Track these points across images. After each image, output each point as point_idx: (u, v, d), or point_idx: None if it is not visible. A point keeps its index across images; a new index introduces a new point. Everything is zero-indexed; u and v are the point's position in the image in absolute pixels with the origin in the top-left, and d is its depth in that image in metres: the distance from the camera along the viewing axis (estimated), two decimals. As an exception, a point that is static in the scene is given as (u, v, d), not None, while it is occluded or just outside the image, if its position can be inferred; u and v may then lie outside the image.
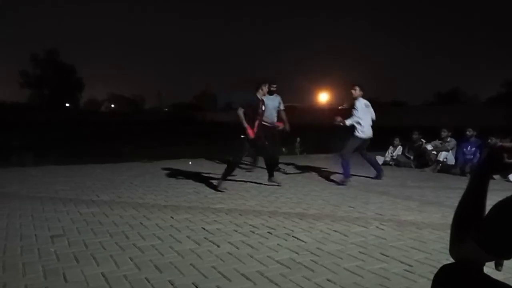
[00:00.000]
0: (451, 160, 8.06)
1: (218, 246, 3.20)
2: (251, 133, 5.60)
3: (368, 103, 6.48)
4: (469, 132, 7.98)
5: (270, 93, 7.49)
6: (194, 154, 9.67)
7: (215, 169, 6.87)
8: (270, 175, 6.02)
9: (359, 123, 6.27)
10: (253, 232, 3.62)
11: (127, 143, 13.35)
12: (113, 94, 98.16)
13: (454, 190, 5.73)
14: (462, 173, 7.44)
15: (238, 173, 6.89)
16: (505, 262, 1.08)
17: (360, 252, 3.12)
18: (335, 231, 3.70)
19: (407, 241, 3.41)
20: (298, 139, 10.78)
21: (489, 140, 7.41)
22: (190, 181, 6.33)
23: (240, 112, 5.63)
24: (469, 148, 7.88)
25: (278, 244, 3.29)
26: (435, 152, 8.21)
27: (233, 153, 5.94)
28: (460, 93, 56.85)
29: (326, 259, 2.95)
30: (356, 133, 6.31)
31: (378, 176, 6.73)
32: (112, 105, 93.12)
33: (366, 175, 6.96)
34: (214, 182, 5.87)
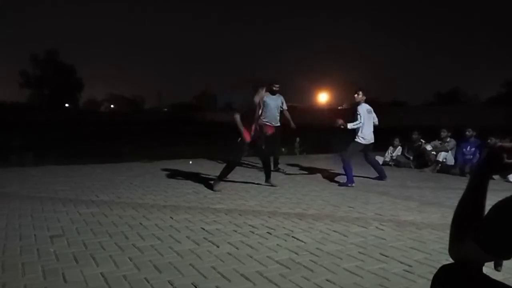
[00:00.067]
0: (451, 161, 8.07)
1: (218, 246, 3.20)
2: (247, 137, 5.60)
3: (370, 108, 6.45)
4: (469, 132, 7.98)
5: (273, 92, 7.51)
6: (194, 154, 9.67)
7: (215, 169, 6.86)
8: (267, 177, 6.03)
9: (360, 129, 6.26)
10: (253, 233, 3.62)
11: (127, 143, 13.34)
12: (113, 94, 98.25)
13: (454, 191, 5.73)
14: (462, 173, 7.44)
15: (237, 173, 6.89)
16: (505, 262, 1.08)
17: (359, 252, 3.12)
18: (335, 231, 3.70)
19: (406, 242, 3.41)
20: (298, 139, 10.79)
21: (489, 140, 7.41)
22: (190, 181, 6.32)
23: (237, 116, 5.62)
24: (468, 148, 7.88)
25: (277, 244, 3.29)
26: (434, 153, 8.21)
27: (232, 153, 5.94)
28: (460, 93, 56.85)
29: (326, 259, 2.95)
30: (357, 139, 6.30)
31: (380, 178, 6.70)
32: (112, 105, 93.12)
33: (366, 176, 6.96)
34: (213, 182, 5.86)
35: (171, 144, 13.65)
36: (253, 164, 8.15)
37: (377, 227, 3.85)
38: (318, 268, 2.76)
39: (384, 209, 4.66)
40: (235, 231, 3.65)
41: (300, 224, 3.92)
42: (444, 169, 7.91)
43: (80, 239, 3.33)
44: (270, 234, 3.58)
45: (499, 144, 1.14)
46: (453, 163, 8.00)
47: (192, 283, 2.47)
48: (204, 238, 3.43)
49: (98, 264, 2.78)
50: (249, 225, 3.87)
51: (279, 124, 7.60)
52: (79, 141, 15.04)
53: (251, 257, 2.97)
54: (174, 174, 6.96)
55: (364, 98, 6.42)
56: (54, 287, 2.41)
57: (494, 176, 1.32)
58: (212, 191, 5.51)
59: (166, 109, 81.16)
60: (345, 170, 6.22)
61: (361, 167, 7.35)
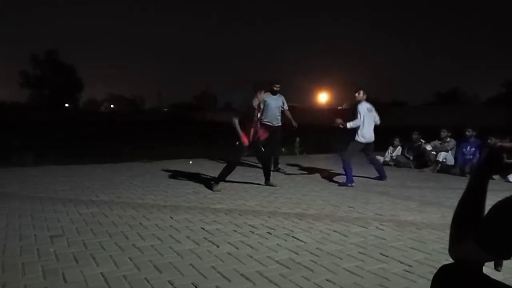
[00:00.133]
0: (451, 161, 8.07)
1: (218, 246, 3.20)
2: (245, 140, 5.60)
3: (371, 107, 6.42)
4: (469, 132, 7.98)
5: (273, 93, 7.53)
6: (194, 154, 9.67)
7: (215, 169, 6.86)
8: (267, 178, 6.03)
9: (360, 127, 6.24)
10: (253, 232, 3.62)
11: (127, 143, 13.34)
12: (113, 94, 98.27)
13: (454, 191, 5.73)
14: (462, 173, 7.44)
15: (237, 173, 6.89)
16: (505, 262, 1.08)
17: (359, 252, 3.12)
18: (335, 231, 3.70)
19: (406, 242, 3.41)
20: (298, 139, 10.79)
21: (489, 140, 7.41)
22: (190, 181, 6.32)
23: (235, 120, 5.61)
24: (468, 148, 7.88)
25: (277, 244, 3.29)
26: (434, 153, 8.21)
27: (232, 154, 5.94)
28: (460, 93, 56.87)
29: (326, 259, 2.95)
30: (356, 138, 6.28)
31: (380, 178, 6.69)
32: (112, 105, 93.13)
33: (366, 176, 6.96)
34: (213, 182, 5.86)
35: (171, 144, 13.65)
36: (253, 164, 8.15)
37: (377, 227, 3.85)
38: (318, 268, 2.77)
39: (384, 209, 4.66)
40: (235, 231, 3.65)
41: (300, 224, 3.92)
42: (444, 169, 7.91)
43: (80, 239, 3.33)
44: (270, 234, 3.58)
45: (499, 144, 1.14)
46: (453, 163, 8.00)
47: (192, 283, 2.47)
48: (204, 238, 3.43)
49: (98, 264, 2.78)
50: (249, 225, 3.87)
51: (280, 124, 7.61)
52: (79, 141, 15.04)
53: (251, 257, 2.97)
54: (174, 174, 6.96)
55: (365, 97, 6.40)
56: (54, 287, 2.41)
57: (494, 176, 1.32)
58: (212, 191, 5.51)
59: (166, 109, 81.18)
60: (345, 170, 6.22)
61: (361, 167, 7.35)
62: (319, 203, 4.92)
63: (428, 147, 8.38)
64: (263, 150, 6.02)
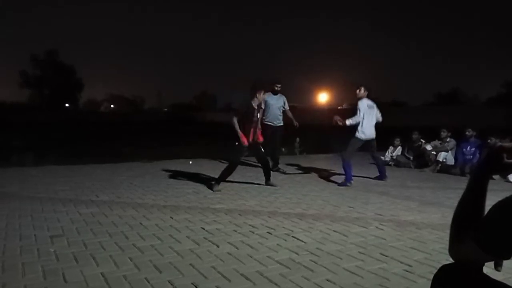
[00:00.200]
0: (451, 161, 8.07)
1: (218, 246, 3.20)
2: (245, 141, 5.59)
3: (372, 103, 6.40)
4: (469, 133, 7.98)
5: (275, 93, 7.55)
6: (194, 154, 9.67)
7: (215, 169, 6.86)
8: (267, 178, 6.03)
9: (360, 123, 6.23)
10: (253, 232, 3.62)
11: (127, 143, 13.34)
12: (113, 94, 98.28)
13: (454, 191, 5.74)
14: (462, 174, 7.44)
15: (238, 174, 6.89)
16: (505, 262, 1.08)
17: (359, 252, 3.12)
18: (335, 231, 3.70)
19: (406, 241, 3.41)
20: (298, 139, 10.79)
21: (489, 140, 7.41)
22: (190, 181, 6.32)
23: (234, 120, 5.61)
24: (468, 148, 7.88)
25: (277, 244, 3.29)
26: (434, 153, 8.21)
27: (232, 154, 5.94)
28: (460, 94, 56.91)
29: (326, 259, 2.95)
30: (357, 134, 6.27)
31: (380, 177, 6.67)
32: (112, 106, 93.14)
33: (366, 176, 6.96)
34: (213, 182, 5.86)
35: (171, 144, 13.66)
36: (253, 164, 8.15)
37: (377, 227, 3.85)
38: (318, 268, 2.77)
39: (384, 209, 4.66)
40: (235, 231, 3.65)
41: (300, 224, 3.92)
42: (444, 169, 7.91)
43: (80, 239, 3.33)
44: (270, 234, 3.58)
45: (499, 144, 1.15)
46: (453, 163, 8.00)
47: (192, 283, 2.47)
48: (204, 238, 3.43)
49: (98, 264, 2.78)
50: (249, 225, 3.87)
51: (281, 124, 7.61)
52: (79, 141, 15.04)
53: (251, 257, 2.97)
54: (174, 174, 6.96)
55: (366, 93, 6.37)
56: (54, 287, 2.41)
57: (494, 176, 1.32)
58: (212, 191, 5.51)
59: (166, 109, 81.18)
60: (344, 169, 6.22)
61: (361, 167, 7.35)
62: (319, 203, 4.92)
63: (428, 147, 8.38)
64: (262, 150, 6.01)
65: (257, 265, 2.80)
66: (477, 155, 7.64)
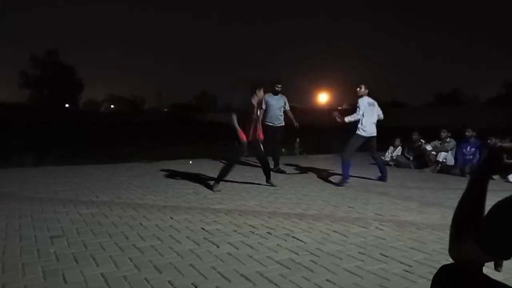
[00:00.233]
0: (451, 161, 8.07)
1: (218, 247, 3.20)
2: (243, 137, 5.59)
3: (373, 101, 6.37)
4: (469, 133, 7.99)
5: (275, 93, 7.55)
6: (194, 154, 9.67)
7: (215, 169, 6.86)
8: (267, 177, 6.02)
9: (360, 121, 6.22)
10: (253, 233, 3.62)
11: (127, 144, 13.34)
12: (113, 94, 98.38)
13: (454, 191, 5.74)
14: (462, 174, 7.44)
15: (237, 174, 6.89)
16: (505, 263, 1.08)
17: (359, 252, 3.12)
18: (335, 231, 3.70)
19: (406, 242, 3.41)
20: (298, 139, 10.79)
21: (489, 141, 7.41)
22: (190, 181, 6.32)
23: (234, 117, 5.61)
24: (468, 148, 7.89)
25: (277, 245, 3.29)
26: (434, 153, 8.21)
27: (231, 153, 5.94)
28: (461, 94, 57.00)
29: (326, 259, 2.95)
30: (358, 132, 6.26)
31: (382, 178, 6.63)
32: (112, 106, 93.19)
33: (366, 176, 6.96)
34: (213, 182, 5.86)
35: (171, 144, 13.66)
36: (253, 164, 8.15)
37: (377, 228, 3.85)
38: (318, 268, 2.77)
39: (384, 209, 4.66)
40: (235, 231, 3.65)
41: (300, 224, 3.92)
42: (444, 169, 7.91)
43: (80, 240, 3.33)
44: (270, 234, 3.58)
45: (499, 144, 1.15)
46: (453, 164, 8.00)
47: (192, 283, 2.47)
48: (204, 238, 3.43)
49: (98, 264, 2.78)
50: (249, 225, 3.87)
51: (282, 124, 7.62)
52: (79, 141, 15.04)
53: (251, 257, 2.97)
54: (174, 175, 6.96)
55: (366, 91, 6.35)
56: (54, 287, 2.41)
57: (494, 176, 1.32)
58: (211, 191, 5.51)
59: (166, 110, 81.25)
60: (342, 167, 6.21)
61: (361, 167, 7.36)
62: (319, 203, 4.92)
63: (428, 147, 8.39)
64: (262, 148, 5.99)
65: (257, 266, 2.80)
66: (477, 155, 7.65)
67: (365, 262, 2.90)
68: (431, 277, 1.22)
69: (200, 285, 2.45)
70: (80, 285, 2.44)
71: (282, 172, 7.44)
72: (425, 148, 8.43)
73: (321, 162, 9.17)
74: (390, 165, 8.63)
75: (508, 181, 6.53)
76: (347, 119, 6.21)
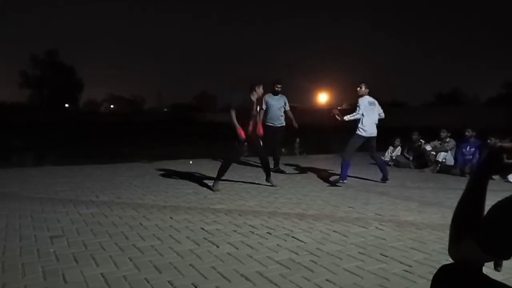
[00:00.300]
0: (450, 161, 8.07)
1: (218, 247, 3.20)
2: (242, 134, 5.59)
3: (373, 101, 6.34)
4: (469, 133, 7.99)
5: (275, 93, 7.55)
6: (194, 154, 9.67)
7: (215, 169, 6.85)
8: (267, 175, 6.01)
9: (360, 121, 6.20)
10: (253, 233, 3.62)
11: (127, 144, 13.35)
12: (113, 94, 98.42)
13: (454, 191, 5.73)
14: (462, 174, 7.44)
15: (238, 174, 6.90)
16: (505, 262, 1.08)
17: (359, 252, 3.12)
18: (335, 231, 3.70)
19: (406, 242, 3.41)
20: (298, 139, 10.79)
21: (489, 141, 7.41)
22: (190, 181, 6.32)
23: (233, 113, 5.61)
24: (468, 148, 7.89)
25: (277, 245, 3.29)
26: (434, 153, 8.21)
27: (230, 152, 5.94)
28: (461, 94, 57.05)
29: (326, 259, 2.95)
30: (358, 131, 6.23)
31: (384, 178, 6.52)
32: (112, 106, 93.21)
33: (366, 175, 6.96)
34: (212, 182, 5.86)
35: (171, 144, 13.66)
36: (253, 164, 8.15)
37: (377, 228, 3.85)
38: (318, 268, 2.77)
39: (384, 209, 4.66)
40: (235, 231, 3.65)
41: (300, 224, 3.92)
42: (444, 169, 7.91)
43: (80, 240, 3.33)
44: (270, 234, 3.58)
45: (499, 144, 1.15)
46: (453, 164, 8.00)
47: (192, 283, 2.47)
48: (204, 238, 3.43)
49: (98, 264, 2.78)
50: (249, 225, 3.87)
51: (283, 124, 7.62)
52: (79, 141, 15.04)
53: (251, 257, 2.97)
54: (174, 175, 6.96)
55: (367, 91, 6.32)
56: (54, 287, 2.41)
57: (494, 176, 1.32)
58: (211, 191, 5.52)
59: (166, 110, 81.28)
60: (341, 166, 6.19)
61: (361, 167, 7.35)
62: (319, 203, 4.92)
63: (428, 148, 8.39)
64: (261, 145, 5.97)
65: (257, 266, 2.80)
66: (477, 155, 7.65)
67: (365, 262, 2.90)
68: (431, 277, 1.22)
69: (200, 285, 2.45)
70: (80, 285, 2.44)
71: (282, 172, 7.44)
72: (425, 148, 8.43)
73: (321, 162, 9.17)
74: (390, 165, 8.63)
75: (508, 181, 6.53)
76: (347, 117, 6.19)
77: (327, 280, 2.56)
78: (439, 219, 4.20)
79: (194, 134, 20.66)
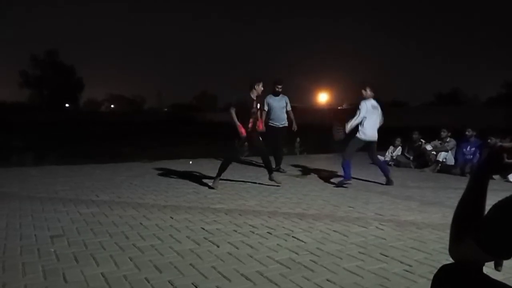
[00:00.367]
0: (451, 161, 8.07)
1: (218, 246, 3.20)
2: (243, 131, 5.58)
3: (376, 104, 6.22)
4: (469, 133, 7.99)
5: (276, 93, 7.55)
6: (194, 154, 9.68)
7: (215, 169, 6.85)
8: (270, 172, 5.99)
9: (361, 124, 6.15)
10: (253, 232, 3.62)
11: (127, 143, 13.35)
12: (113, 94, 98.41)
13: (454, 190, 5.74)
14: (462, 173, 7.44)
15: (238, 173, 6.90)
16: (505, 262, 1.08)
17: (360, 252, 3.12)
18: (335, 231, 3.70)
19: (407, 241, 3.41)
20: (298, 139, 10.80)
21: (489, 140, 7.41)
22: (190, 181, 6.32)
23: (232, 111, 5.61)
24: (468, 148, 7.89)
25: (277, 244, 3.29)
26: (434, 153, 8.21)
27: (230, 151, 5.94)
28: (461, 94, 57.06)
29: (326, 259, 2.95)
30: (358, 135, 6.18)
31: (388, 182, 6.34)
32: (112, 105, 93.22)
33: (366, 176, 6.96)
34: (212, 181, 5.86)
35: (171, 144, 13.66)
36: (253, 163, 8.15)
37: (377, 227, 3.85)
38: (319, 268, 2.77)
39: (385, 209, 4.66)
40: (235, 231, 3.65)
41: (300, 224, 3.92)
42: (444, 169, 7.91)
43: (81, 239, 3.33)
44: (270, 234, 3.58)
45: (499, 144, 1.15)
46: (453, 163, 7.99)
47: (192, 283, 2.47)
48: (205, 238, 3.43)
49: (98, 264, 2.78)
50: (249, 225, 3.87)
51: (286, 125, 7.62)
52: (79, 141, 15.05)
53: (251, 257, 2.97)
54: (174, 174, 6.96)
55: (373, 94, 6.19)
56: (54, 287, 2.41)
57: (494, 176, 1.32)
58: (212, 191, 5.52)
59: (166, 109, 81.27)
60: (343, 168, 6.15)
61: (361, 167, 7.35)
62: (319, 203, 4.92)
63: (428, 147, 8.38)
64: (261, 140, 5.95)
65: (257, 265, 2.80)
66: (477, 155, 7.64)
67: (365, 261, 2.91)
68: (431, 276, 1.22)
69: (200, 285, 2.45)
70: (81, 284, 2.44)
71: (282, 171, 7.44)
72: (425, 148, 8.42)
73: (321, 161, 9.17)
74: (390, 165, 8.61)
75: (508, 181, 6.53)
76: (348, 127, 6.02)
77: (327, 279, 2.56)
78: (439, 219, 4.20)
79: (194, 134, 20.66)
